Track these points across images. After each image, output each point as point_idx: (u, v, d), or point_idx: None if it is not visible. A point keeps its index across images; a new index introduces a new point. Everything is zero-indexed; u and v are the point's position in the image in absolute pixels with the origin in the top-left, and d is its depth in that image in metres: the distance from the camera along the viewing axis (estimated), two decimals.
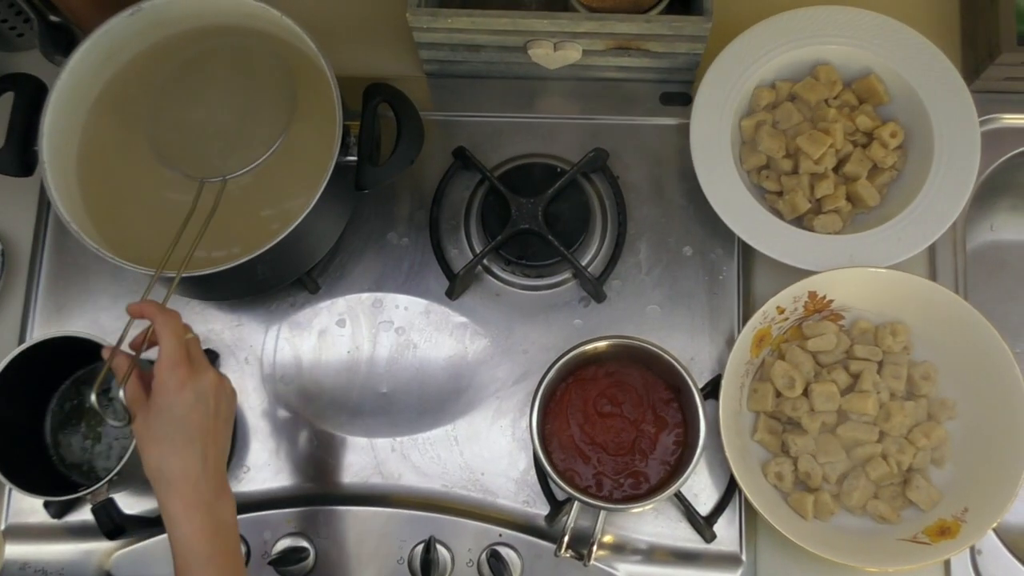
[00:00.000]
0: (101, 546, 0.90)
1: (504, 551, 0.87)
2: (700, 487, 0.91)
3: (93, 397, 0.69)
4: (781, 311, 0.90)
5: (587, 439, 0.86)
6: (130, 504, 0.91)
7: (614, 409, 0.87)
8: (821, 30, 0.96)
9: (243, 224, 0.86)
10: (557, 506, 0.90)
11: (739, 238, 0.93)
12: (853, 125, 0.95)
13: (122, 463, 0.82)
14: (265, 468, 0.93)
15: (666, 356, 0.84)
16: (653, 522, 0.90)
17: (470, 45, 0.96)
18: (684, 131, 0.95)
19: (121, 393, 0.70)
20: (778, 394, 0.91)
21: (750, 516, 0.90)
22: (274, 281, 0.91)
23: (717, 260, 0.97)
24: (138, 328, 0.76)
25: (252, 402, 0.95)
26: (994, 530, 0.87)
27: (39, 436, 0.91)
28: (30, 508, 0.92)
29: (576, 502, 0.83)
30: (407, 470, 0.92)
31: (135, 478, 0.87)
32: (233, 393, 0.75)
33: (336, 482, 0.92)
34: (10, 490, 0.92)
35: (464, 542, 0.88)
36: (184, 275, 0.78)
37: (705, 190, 0.92)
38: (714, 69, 0.96)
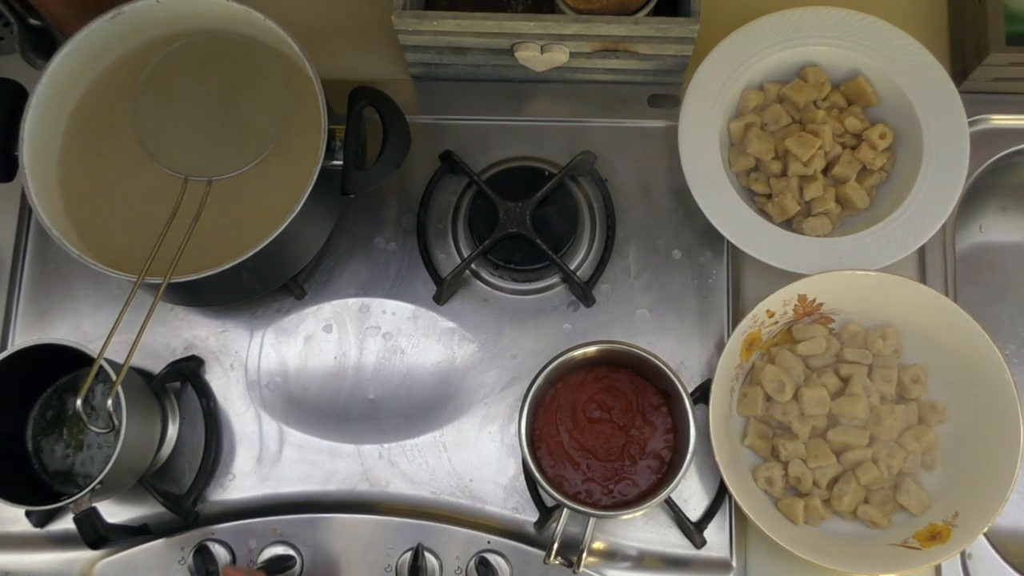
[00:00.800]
0: (84, 555, 0.89)
1: (493, 558, 0.87)
2: (690, 492, 0.90)
3: (78, 403, 0.68)
4: (771, 314, 0.90)
5: (576, 445, 0.85)
6: (113, 513, 0.90)
7: (603, 414, 0.86)
8: (809, 32, 0.96)
9: (227, 229, 0.85)
10: (546, 512, 0.89)
11: (728, 241, 0.93)
12: (842, 127, 0.95)
13: (105, 472, 0.80)
14: (251, 475, 0.92)
15: (655, 361, 0.83)
16: (643, 528, 0.90)
17: (456, 48, 0.95)
18: (672, 133, 0.95)
19: (109, 403, 0.69)
20: (768, 398, 0.91)
21: (740, 521, 0.90)
22: (260, 287, 0.90)
23: (706, 263, 0.96)
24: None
25: (238, 409, 0.94)
26: (985, 534, 0.87)
27: (21, 444, 0.90)
28: (12, 517, 0.91)
29: (565, 509, 0.83)
30: (395, 477, 0.92)
31: (118, 487, 0.86)
32: None
33: (323, 489, 0.92)
34: None
35: (452, 549, 0.88)
36: (168, 281, 0.77)
37: (694, 193, 0.92)
38: (702, 71, 0.95)
